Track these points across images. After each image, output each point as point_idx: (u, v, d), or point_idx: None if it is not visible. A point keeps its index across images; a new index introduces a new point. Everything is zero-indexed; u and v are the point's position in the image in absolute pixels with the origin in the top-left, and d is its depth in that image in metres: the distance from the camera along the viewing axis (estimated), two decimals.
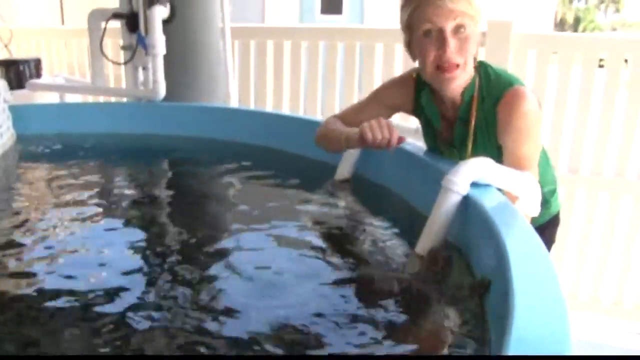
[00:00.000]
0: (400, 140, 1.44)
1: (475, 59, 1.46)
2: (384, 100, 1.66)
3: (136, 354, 0.92)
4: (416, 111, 1.64)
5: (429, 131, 1.65)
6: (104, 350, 0.96)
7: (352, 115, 1.69)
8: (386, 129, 1.43)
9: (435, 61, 1.40)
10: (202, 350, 0.96)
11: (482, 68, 1.49)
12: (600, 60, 2.66)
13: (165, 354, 0.94)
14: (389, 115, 1.67)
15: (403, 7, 1.43)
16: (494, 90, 1.45)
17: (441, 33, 1.37)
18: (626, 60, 2.65)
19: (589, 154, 2.73)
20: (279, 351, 0.95)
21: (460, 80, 1.42)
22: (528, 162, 1.41)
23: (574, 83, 2.69)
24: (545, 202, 1.55)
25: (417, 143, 1.72)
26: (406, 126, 1.76)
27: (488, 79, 1.47)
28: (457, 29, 1.36)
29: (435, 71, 1.42)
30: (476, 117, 1.48)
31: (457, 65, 1.39)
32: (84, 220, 1.57)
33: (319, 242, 1.42)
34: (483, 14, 1.40)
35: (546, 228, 1.68)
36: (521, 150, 1.40)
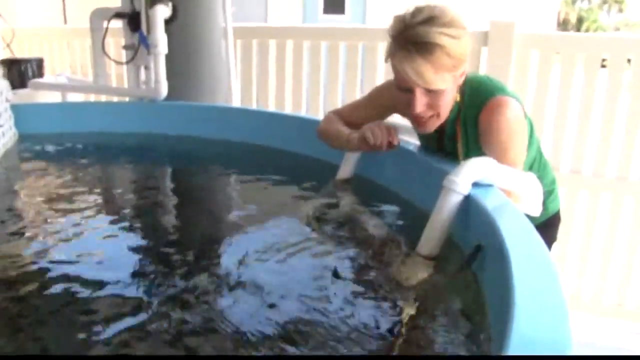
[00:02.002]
0: (398, 142, 1.50)
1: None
2: (381, 100, 1.66)
3: (135, 354, 0.91)
4: None
5: (423, 136, 1.67)
6: (102, 348, 0.96)
7: (351, 113, 1.72)
8: (386, 131, 1.48)
9: (409, 112, 1.41)
10: (200, 348, 0.96)
11: (466, 83, 1.46)
12: (603, 60, 2.65)
13: (163, 354, 0.94)
14: (386, 115, 1.70)
15: (387, 34, 1.38)
16: (476, 101, 1.44)
17: (411, 91, 1.36)
18: (629, 61, 2.63)
19: (591, 154, 2.71)
20: (275, 349, 0.95)
21: (434, 126, 1.45)
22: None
23: (577, 83, 2.68)
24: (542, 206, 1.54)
25: (418, 142, 1.72)
26: (405, 125, 1.75)
27: (471, 91, 1.46)
28: (429, 89, 1.35)
29: (411, 119, 1.46)
30: (461, 134, 1.50)
31: (430, 117, 1.41)
32: (85, 219, 1.57)
33: (319, 241, 1.42)
34: (465, 52, 1.34)
35: (544, 228, 1.67)
36: (504, 160, 1.37)
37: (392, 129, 1.50)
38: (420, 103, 1.37)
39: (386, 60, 1.41)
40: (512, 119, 1.39)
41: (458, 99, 1.46)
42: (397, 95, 1.43)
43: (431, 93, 1.36)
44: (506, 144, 1.40)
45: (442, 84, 1.34)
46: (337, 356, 0.88)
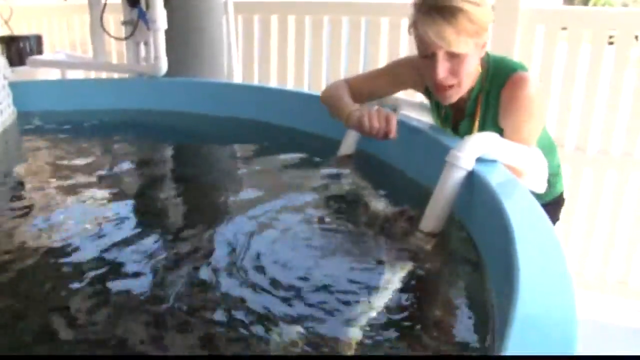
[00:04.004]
0: (394, 135, 1.46)
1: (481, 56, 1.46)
2: (397, 76, 1.67)
3: (135, 354, 0.90)
4: (427, 92, 1.65)
5: (437, 114, 1.67)
6: (98, 329, 0.95)
7: (363, 84, 1.71)
8: (384, 121, 1.45)
9: (432, 80, 1.42)
10: (200, 327, 0.95)
11: (488, 61, 1.49)
12: (610, 37, 2.61)
13: (160, 335, 0.93)
14: (397, 89, 1.72)
15: (412, 6, 1.41)
16: (498, 78, 1.46)
17: (434, 57, 1.37)
18: (637, 37, 2.59)
19: (597, 132, 2.68)
20: (278, 326, 0.93)
21: (456, 96, 1.45)
22: (527, 144, 1.42)
23: (583, 60, 2.64)
24: (548, 186, 1.54)
25: (421, 119, 1.70)
26: (411, 101, 1.73)
27: (494, 68, 1.48)
28: (452, 53, 1.36)
29: (433, 87, 1.45)
30: (481, 112, 1.50)
31: (451, 86, 1.41)
32: (84, 196, 1.56)
33: (322, 218, 1.41)
34: (486, 20, 1.36)
35: (548, 208, 1.66)
36: (521, 133, 1.41)
37: (393, 119, 1.46)
38: (443, 68, 1.38)
39: (409, 31, 1.43)
40: (534, 96, 1.41)
41: (480, 75, 1.47)
42: (421, 65, 1.45)
43: (453, 59, 1.37)
44: (525, 117, 1.42)
45: (463, 47, 1.35)
46: (337, 356, 0.87)
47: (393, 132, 1.45)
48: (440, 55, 1.36)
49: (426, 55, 1.39)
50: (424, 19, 1.34)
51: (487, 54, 1.49)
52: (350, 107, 1.58)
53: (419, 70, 1.51)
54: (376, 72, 1.74)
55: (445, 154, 1.24)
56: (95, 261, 1.17)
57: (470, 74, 1.42)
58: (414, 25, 1.39)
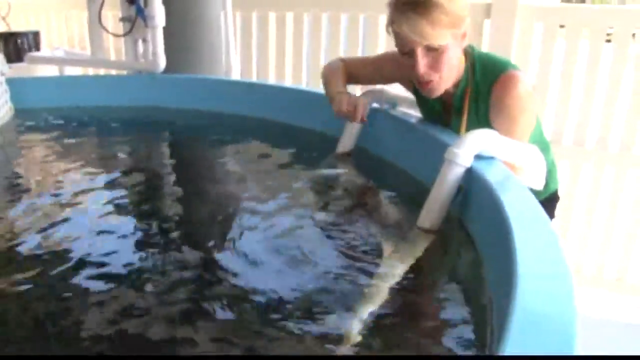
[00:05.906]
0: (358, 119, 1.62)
1: (464, 49, 1.45)
2: (384, 69, 1.68)
3: (132, 355, 0.90)
4: (415, 89, 1.64)
5: (427, 112, 1.66)
6: (98, 327, 0.95)
7: (356, 67, 1.76)
8: (352, 106, 1.61)
9: (414, 76, 1.42)
10: (201, 323, 0.95)
11: (474, 55, 1.48)
12: (608, 35, 2.61)
13: (160, 334, 0.93)
14: (385, 83, 1.77)
15: (387, 6, 1.41)
16: (489, 75, 1.45)
17: (413, 53, 1.37)
18: (634, 35, 2.59)
19: (595, 128, 2.69)
20: (275, 324, 0.94)
21: (440, 89, 1.44)
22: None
23: (581, 56, 2.64)
24: None
25: (416, 114, 1.70)
26: (410, 98, 1.73)
27: (482, 65, 1.47)
28: (429, 47, 1.36)
29: (417, 83, 1.45)
30: (469, 107, 1.49)
31: (434, 80, 1.41)
32: (82, 193, 1.55)
33: (320, 215, 1.41)
34: (460, 10, 1.35)
35: (543, 205, 1.66)
36: (513, 132, 1.39)
37: (359, 105, 1.60)
38: (423, 63, 1.37)
39: (387, 29, 1.42)
40: (525, 94, 1.40)
41: (466, 69, 1.46)
42: (401, 63, 1.44)
43: (432, 52, 1.37)
44: (516, 118, 1.40)
45: (440, 39, 1.34)
46: (337, 357, 0.87)
47: (358, 118, 1.61)
48: (419, 51, 1.36)
49: (406, 52, 1.39)
50: (399, 16, 1.35)
51: (472, 48, 1.48)
52: (335, 90, 1.68)
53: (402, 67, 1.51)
54: (369, 61, 1.77)
55: (443, 151, 1.24)
56: (93, 257, 1.17)
57: (452, 66, 1.42)
58: (391, 23, 1.39)
